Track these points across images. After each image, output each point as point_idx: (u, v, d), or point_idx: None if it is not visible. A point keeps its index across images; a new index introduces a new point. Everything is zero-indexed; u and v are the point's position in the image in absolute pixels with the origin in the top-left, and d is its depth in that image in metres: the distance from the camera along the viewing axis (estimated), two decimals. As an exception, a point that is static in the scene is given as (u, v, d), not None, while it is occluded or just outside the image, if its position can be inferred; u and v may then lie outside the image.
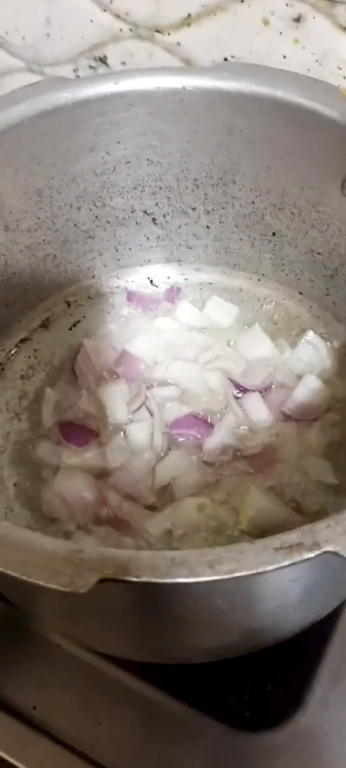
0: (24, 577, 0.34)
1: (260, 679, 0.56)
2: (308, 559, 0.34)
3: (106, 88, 0.60)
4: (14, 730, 0.54)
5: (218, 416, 0.65)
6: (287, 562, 0.34)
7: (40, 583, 0.34)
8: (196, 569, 0.34)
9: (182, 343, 0.71)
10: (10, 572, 0.34)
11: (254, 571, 0.34)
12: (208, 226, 0.73)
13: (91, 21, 0.75)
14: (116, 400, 0.66)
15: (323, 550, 0.34)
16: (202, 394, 0.67)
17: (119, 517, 0.59)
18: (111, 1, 0.73)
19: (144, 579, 0.34)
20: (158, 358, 0.70)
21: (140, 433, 0.64)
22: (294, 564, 0.34)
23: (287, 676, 0.56)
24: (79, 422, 0.65)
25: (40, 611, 0.51)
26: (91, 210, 0.70)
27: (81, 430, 0.65)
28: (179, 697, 0.55)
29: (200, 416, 0.65)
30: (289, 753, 0.53)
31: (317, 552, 0.34)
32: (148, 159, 0.67)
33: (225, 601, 0.41)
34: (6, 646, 0.58)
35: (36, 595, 0.44)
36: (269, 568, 0.34)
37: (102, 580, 0.34)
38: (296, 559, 0.34)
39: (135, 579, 0.34)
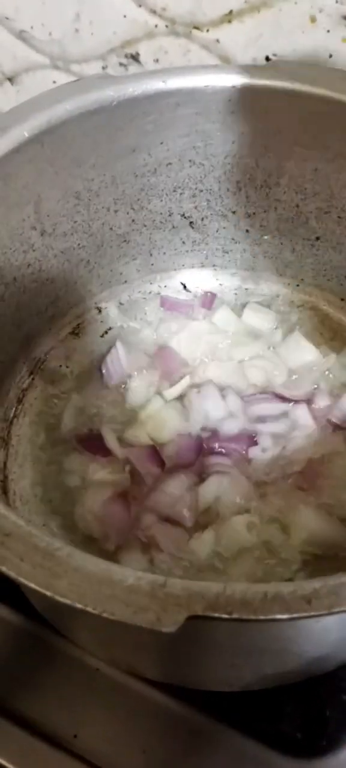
0: (106, 615, 0.31)
1: (314, 702, 0.54)
2: None
3: (153, 86, 0.58)
4: (56, 761, 0.51)
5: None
6: None
7: (125, 620, 0.31)
8: (291, 605, 0.32)
9: (221, 345, 0.69)
10: (89, 609, 0.31)
11: (355, 606, 0.32)
12: (247, 230, 0.70)
13: (125, 16, 0.73)
14: (141, 385, 0.65)
15: None
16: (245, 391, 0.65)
17: (158, 539, 0.56)
18: (147, -4, 0.70)
19: (236, 616, 0.31)
20: (197, 359, 0.68)
21: (139, 388, 0.63)
22: None
23: (343, 700, 0.54)
24: (102, 428, 0.63)
25: (90, 637, 0.48)
26: (128, 213, 0.67)
27: (103, 439, 0.62)
28: (228, 723, 0.53)
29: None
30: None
31: None
32: (190, 160, 0.64)
33: (308, 632, 0.39)
34: (41, 670, 0.55)
35: (91, 621, 0.41)
36: (372, 601, 0.32)
37: (190, 617, 0.31)
38: None
39: (226, 616, 0.32)
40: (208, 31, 0.69)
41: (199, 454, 0.61)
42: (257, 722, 0.53)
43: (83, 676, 0.55)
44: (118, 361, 0.67)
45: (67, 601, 0.31)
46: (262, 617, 0.31)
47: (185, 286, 0.75)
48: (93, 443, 0.62)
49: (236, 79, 0.58)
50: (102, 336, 0.71)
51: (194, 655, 0.42)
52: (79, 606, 0.31)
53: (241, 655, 0.42)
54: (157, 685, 0.53)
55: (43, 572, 0.32)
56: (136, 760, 0.51)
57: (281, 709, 0.54)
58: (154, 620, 0.31)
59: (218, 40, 0.69)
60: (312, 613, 0.31)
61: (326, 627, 0.40)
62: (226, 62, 0.70)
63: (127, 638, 0.42)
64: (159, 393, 0.65)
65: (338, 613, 0.32)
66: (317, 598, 0.32)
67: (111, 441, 0.61)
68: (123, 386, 0.66)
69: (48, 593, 0.31)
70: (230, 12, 0.67)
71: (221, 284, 0.74)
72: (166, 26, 0.71)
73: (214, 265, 0.74)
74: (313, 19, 0.64)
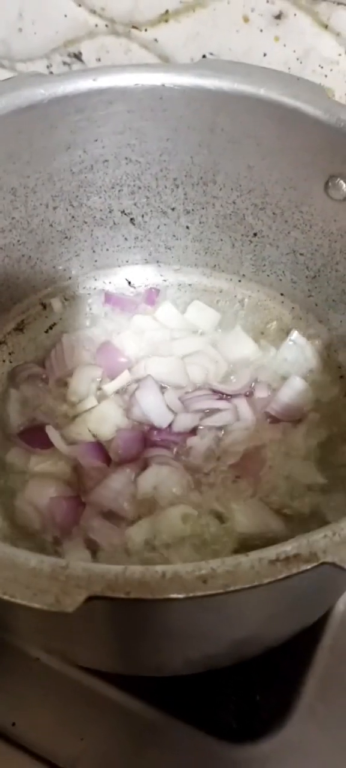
0: (6, 597, 0.32)
1: (248, 689, 0.55)
2: (306, 571, 0.33)
3: (84, 84, 0.58)
4: (-6, 748, 0.52)
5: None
6: (283, 575, 0.33)
7: (24, 602, 0.32)
8: (188, 585, 0.33)
9: (163, 341, 0.70)
10: (-9, 592, 0.32)
11: (248, 585, 0.33)
12: (187, 227, 0.71)
13: (66, 16, 0.73)
14: (82, 380, 0.66)
15: (321, 561, 0.33)
16: (185, 388, 0.66)
17: (96, 533, 0.57)
18: (86, -4, 0.71)
19: (134, 596, 0.32)
20: (139, 355, 0.68)
21: (80, 383, 0.64)
22: (291, 576, 0.33)
23: (275, 685, 0.55)
24: (45, 422, 0.63)
25: (22, 628, 0.49)
26: (67, 210, 0.67)
27: (44, 431, 0.62)
28: (165, 710, 0.54)
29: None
30: (278, 763, 0.52)
31: (315, 564, 0.33)
32: (126, 158, 0.65)
33: (215, 614, 0.39)
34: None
35: (18, 613, 0.42)
36: (266, 581, 0.33)
37: (90, 598, 0.32)
38: (294, 571, 0.33)
39: (124, 596, 0.32)
40: (146, 30, 0.70)
41: (143, 447, 0.62)
42: (193, 708, 0.54)
43: (22, 666, 0.55)
44: (62, 356, 0.68)
45: (-33, 584, 0.32)
46: (158, 596, 0.32)
47: (129, 282, 0.75)
48: (34, 436, 0.63)
49: (165, 78, 0.59)
50: (46, 331, 0.72)
51: (116, 641, 0.43)
52: (-21, 589, 0.32)
53: (161, 639, 0.43)
54: (96, 673, 0.54)
55: None
56: (74, 747, 0.52)
57: (215, 695, 0.55)
58: (53, 601, 0.32)
59: (156, 40, 0.70)
60: (207, 592, 0.32)
61: (237, 609, 0.41)
62: (165, 61, 0.71)
63: (48, 624, 0.42)
64: (100, 389, 0.66)
65: (232, 592, 0.33)
66: (214, 577, 0.33)
67: (55, 439, 0.62)
68: (65, 381, 0.67)
69: None
70: (167, 12, 0.68)
71: (165, 280, 0.75)
72: (106, 26, 0.72)
73: (157, 261, 0.75)
74: (246, 19, 0.65)
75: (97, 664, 0.50)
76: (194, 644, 0.44)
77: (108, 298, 0.74)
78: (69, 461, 0.61)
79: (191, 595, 0.32)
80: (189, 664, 0.48)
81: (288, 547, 0.34)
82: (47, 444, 0.62)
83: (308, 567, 0.33)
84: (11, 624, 0.50)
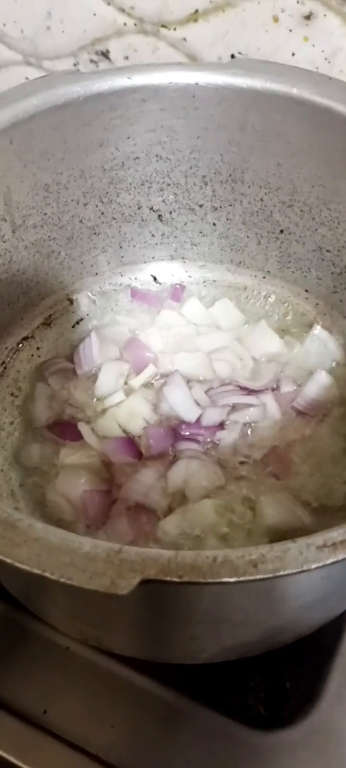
0: (63, 580, 0.33)
1: (276, 676, 0.56)
2: (352, 557, 0.34)
3: (119, 82, 0.60)
4: (25, 735, 0.53)
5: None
6: (331, 560, 0.34)
7: (81, 585, 0.33)
8: (239, 569, 0.34)
9: (189, 337, 0.71)
10: (47, 574, 0.33)
11: (297, 570, 0.34)
12: (214, 224, 0.72)
13: (95, 14, 0.74)
14: (110, 375, 0.67)
15: (367, 547, 0.34)
16: (211, 383, 0.67)
17: (130, 522, 0.58)
18: (115, -5, 0.72)
19: (186, 579, 0.33)
20: (165, 350, 0.69)
21: (108, 378, 0.65)
22: (338, 562, 0.34)
23: (303, 672, 0.56)
24: (74, 416, 0.65)
25: (59, 611, 0.50)
26: (97, 206, 0.69)
27: (74, 425, 0.64)
28: (195, 698, 0.55)
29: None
30: (306, 748, 0.53)
31: (361, 549, 0.34)
32: (157, 155, 0.66)
33: (257, 599, 0.41)
34: (13, 651, 0.57)
35: (59, 594, 0.43)
36: (314, 566, 0.34)
37: (144, 581, 0.33)
38: (340, 557, 0.34)
39: (177, 579, 0.33)
40: (175, 29, 0.71)
41: (173, 442, 0.62)
42: (223, 696, 0.55)
43: (53, 655, 0.56)
44: (91, 350, 0.69)
45: (27, 568, 0.33)
46: (210, 580, 0.33)
47: (155, 278, 0.77)
48: (63, 429, 0.64)
49: (198, 77, 0.60)
50: (73, 326, 0.73)
51: (155, 626, 0.44)
52: (37, 572, 0.33)
53: (200, 625, 0.44)
54: (126, 661, 0.55)
55: (4, 542, 0.34)
56: (105, 734, 0.53)
57: (245, 683, 0.56)
58: (108, 584, 0.33)
59: (184, 39, 0.71)
60: (258, 576, 0.33)
61: (279, 596, 0.42)
62: (193, 60, 0.72)
63: (92, 609, 0.44)
64: (127, 384, 0.67)
65: (282, 576, 0.34)
66: (263, 562, 0.34)
67: (87, 434, 0.63)
68: (93, 376, 0.68)
69: (8, 560, 0.33)
70: (196, 11, 0.69)
71: (190, 276, 0.76)
72: (135, 24, 0.73)
73: (183, 258, 0.76)
74: (275, 19, 0.66)
75: (133, 651, 0.51)
76: (231, 631, 0.45)
77: (134, 293, 0.75)
78: (99, 454, 0.62)
79: (242, 579, 0.33)
80: (224, 652, 0.49)
81: (334, 533, 0.35)
82: (77, 437, 0.63)
83: (355, 553, 0.34)
84: (46, 609, 0.51)
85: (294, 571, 0.34)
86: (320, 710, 0.54)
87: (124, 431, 0.64)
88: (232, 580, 0.33)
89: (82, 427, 0.63)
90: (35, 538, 0.35)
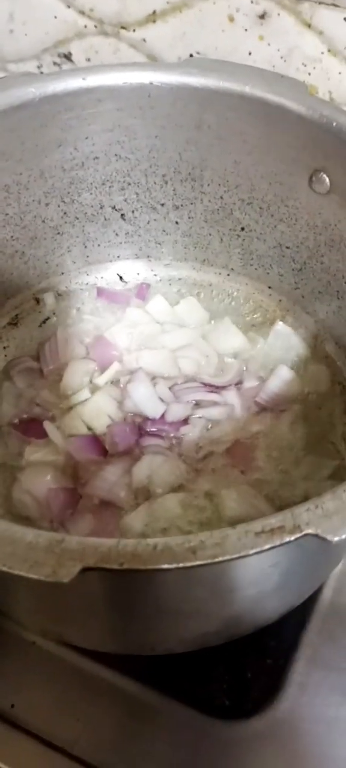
0: (5, 569, 0.34)
1: (239, 667, 0.56)
2: (289, 542, 0.35)
3: (74, 83, 0.60)
4: (-6, 728, 0.53)
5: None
6: (268, 545, 0.35)
7: (22, 573, 0.33)
8: (178, 556, 0.34)
9: (154, 334, 0.71)
10: (-10, 566, 0.34)
11: (236, 556, 0.34)
12: (177, 222, 0.73)
13: (56, 17, 0.75)
14: (76, 373, 0.67)
15: (303, 532, 0.35)
16: (175, 379, 0.67)
17: (95, 519, 0.59)
18: (75, -2, 0.73)
19: (126, 566, 0.34)
20: (131, 348, 0.70)
21: (74, 376, 0.65)
22: (275, 547, 0.35)
23: (266, 664, 0.57)
24: (39, 414, 0.65)
25: (20, 610, 0.50)
26: (59, 206, 0.69)
27: (39, 423, 0.64)
28: (159, 689, 0.55)
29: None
30: (269, 739, 0.53)
31: (298, 535, 0.35)
32: (116, 155, 0.67)
33: (207, 588, 0.41)
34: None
35: (17, 589, 0.43)
36: (252, 551, 0.34)
37: (84, 569, 0.34)
38: (277, 542, 0.35)
39: (117, 567, 0.34)
40: (134, 30, 0.72)
41: (137, 438, 0.63)
42: (187, 687, 0.55)
43: (20, 650, 0.56)
44: (56, 349, 0.69)
45: (-32, 558, 0.33)
46: (150, 567, 0.34)
47: (121, 277, 0.77)
48: (28, 427, 0.64)
49: (152, 76, 0.61)
50: (40, 326, 0.73)
51: (109, 618, 0.45)
52: (-22, 563, 0.34)
53: (153, 614, 0.44)
54: (91, 655, 0.55)
55: None
56: (71, 727, 0.53)
57: (208, 674, 0.56)
58: (49, 572, 0.33)
59: (144, 39, 0.72)
60: (196, 563, 0.34)
61: (228, 585, 0.42)
62: (153, 60, 0.73)
63: (45, 602, 0.44)
64: (92, 382, 0.68)
65: (219, 562, 0.34)
66: (203, 548, 0.35)
67: (52, 433, 0.63)
68: (59, 374, 0.68)
69: None
70: (154, 12, 0.70)
71: (155, 275, 0.77)
72: (95, 26, 0.74)
73: (148, 256, 0.77)
74: (231, 19, 0.67)
75: (93, 643, 0.51)
76: (186, 621, 0.46)
77: (100, 292, 0.75)
78: (64, 452, 0.62)
79: (180, 565, 0.34)
80: (182, 642, 0.50)
81: (273, 520, 0.36)
82: (42, 434, 0.63)
83: (292, 538, 0.35)
84: (10, 606, 0.51)
85: (233, 556, 0.34)
86: (283, 701, 0.55)
87: (90, 429, 0.64)
88: (171, 566, 0.34)
89: (48, 426, 0.63)
90: (-21, 530, 0.35)
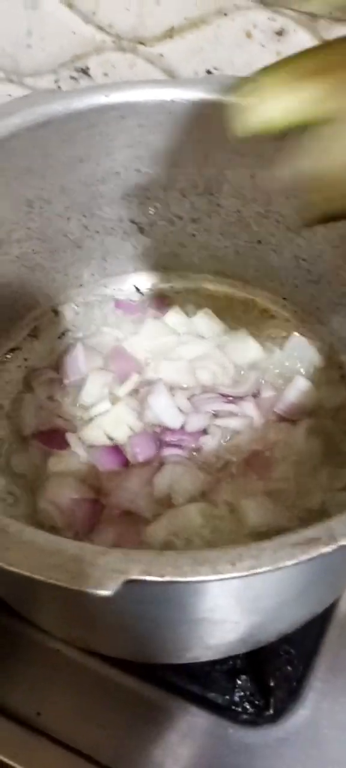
0: (51, 581, 0.34)
1: (260, 674, 0.57)
2: (325, 554, 0.36)
3: (98, 100, 0.61)
4: (19, 737, 0.54)
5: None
6: (305, 557, 0.36)
7: (67, 585, 0.34)
8: (218, 567, 0.35)
9: (172, 345, 0.72)
10: (36, 576, 0.35)
11: (273, 567, 0.35)
12: (194, 234, 0.74)
13: (74, 33, 0.76)
14: (95, 384, 0.68)
15: (339, 544, 0.36)
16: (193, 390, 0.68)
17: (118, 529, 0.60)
18: (94, 13, 0.74)
19: (168, 579, 0.35)
20: (149, 359, 0.71)
21: (93, 388, 0.66)
22: (312, 559, 0.36)
23: (287, 671, 0.58)
24: (61, 425, 0.66)
25: (49, 615, 0.51)
26: (80, 220, 0.70)
27: (61, 433, 0.65)
28: (182, 697, 0.56)
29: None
30: (290, 745, 0.54)
31: (334, 546, 0.36)
32: (136, 170, 0.68)
33: (237, 597, 0.42)
34: (5, 655, 0.58)
35: (49, 598, 0.44)
36: (288, 563, 0.35)
37: (128, 581, 0.35)
38: (314, 554, 0.36)
39: (159, 579, 0.35)
40: (152, 46, 0.73)
41: (158, 448, 0.64)
42: (209, 694, 0.56)
43: (45, 658, 0.57)
44: (77, 361, 0.70)
45: (16, 570, 0.34)
46: (191, 579, 0.35)
47: (138, 289, 0.78)
48: (50, 437, 0.65)
49: (174, 93, 0.62)
50: (59, 337, 0.74)
51: (140, 627, 0.46)
52: (26, 574, 0.34)
53: (184, 625, 0.45)
54: (115, 663, 0.56)
55: (-6, 546, 0.36)
56: (95, 734, 0.54)
57: (230, 681, 0.57)
58: (94, 584, 0.34)
59: (161, 55, 0.73)
60: (235, 574, 0.35)
61: (258, 594, 0.43)
62: (170, 75, 0.74)
63: (79, 611, 0.45)
64: (112, 393, 0.68)
65: (257, 574, 0.35)
66: (240, 560, 0.36)
67: (75, 443, 0.64)
68: (79, 385, 0.69)
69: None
70: (172, 28, 0.71)
71: (172, 286, 0.78)
72: (113, 42, 0.75)
73: (165, 268, 0.78)
74: (248, 35, 0.68)
75: (120, 652, 0.52)
76: (214, 629, 0.47)
77: (118, 304, 0.76)
78: (86, 462, 0.63)
79: (220, 577, 0.35)
80: (208, 650, 0.51)
81: (309, 532, 0.37)
82: (64, 445, 0.64)
83: (329, 550, 0.36)
84: (37, 613, 0.52)
85: (270, 568, 0.35)
86: (304, 707, 0.56)
87: (110, 439, 0.65)
88: (212, 578, 0.35)
89: (71, 437, 0.64)
90: (24, 542, 0.36)
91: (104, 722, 0.55)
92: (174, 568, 0.35)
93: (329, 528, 0.37)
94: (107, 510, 0.60)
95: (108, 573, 0.35)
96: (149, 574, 0.35)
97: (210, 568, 0.35)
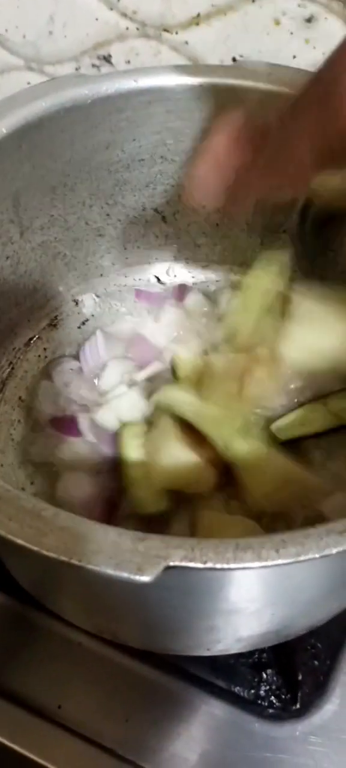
0: (91, 566, 0.34)
1: (287, 668, 0.57)
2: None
3: (126, 85, 0.61)
4: (40, 730, 0.53)
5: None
6: (352, 545, 0.35)
7: (109, 572, 0.34)
8: (262, 553, 0.35)
9: (191, 330, 0.71)
10: (75, 562, 0.34)
11: (319, 555, 0.35)
12: (217, 224, 0.73)
13: (97, 19, 0.75)
14: (114, 372, 0.67)
15: None
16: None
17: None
18: (118, 0, 0.73)
19: (210, 565, 0.34)
20: (168, 346, 0.70)
21: (112, 376, 0.66)
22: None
23: (313, 665, 0.57)
24: (76, 411, 0.65)
25: (78, 605, 0.50)
26: (102, 208, 0.69)
27: (76, 420, 0.64)
28: (207, 691, 0.55)
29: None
30: (317, 740, 0.53)
31: None
32: (161, 157, 0.67)
33: (273, 588, 0.41)
34: (26, 647, 0.57)
35: (82, 586, 0.43)
36: (335, 550, 0.35)
37: (169, 567, 0.34)
38: (361, 541, 0.35)
39: (201, 565, 0.34)
40: (177, 33, 0.72)
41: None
42: (235, 688, 0.56)
43: (66, 651, 0.56)
44: (96, 348, 0.69)
45: (54, 556, 0.33)
46: (233, 565, 0.34)
47: (158, 279, 0.77)
48: (65, 424, 0.64)
49: (203, 79, 0.61)
50: (79, 327, 0.74)
51: (175, 617, 0.45)
52: (64, 559, 0.34)
53: (218, 615, 0.44)
54: (138, 656, 0.55)
55: (31, 531, 0.35)
56: (119, 727, 0.53)
57: (257, 674, 0.57)
58: (134, 570, 0.34)
59: (186, 42, 0.72)
60: (280, 561, 0.34)
61: (296, 585, 0.43)
62: (194, 62, 0.73)
63: (112, 600, 0.44)
64: (131, 379, 0.68)
65: (303, 561, 0.34)
66: (285, 547, 0.35)
67: (87, 430, 0.63)
68: (98, 373, 0.68)
69: (36, 549, 0.34)
70: (198, 15, 0.70)
71: (193, 276, 0.77)
72: (137, 29, 0.74)
73: (186, 258, 0.77)
74: (277, 22, 0.67)
75: (150, 644, 0.52)
76: (247, 620, 0.46)
77: (138, 294, 0.75)
78: (99, 448, 0.62)
79: (264, 564, 0.34)
80: (239, 642, 0.50)
81: (354, 520, 0.36)
82: (77, 432, 0.63)
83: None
84: (67, 604, 0.51)
85: (316, 555, 0.34)
86: (330, 701, 0.55)
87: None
88: (255, 565, 0.34)
89: (83, 422, 0.64)
90: (61, 527, 0.35)
91: (127, 716, 0.54)
92: (216, 554, 0.34)
93: (374, 516, 0.36)
94: (125, 505, 0.59)
95: (149, 559, 0.34)
96: (191, 560, 0.34)
97: (254, 554, 0.34)
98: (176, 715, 0.55)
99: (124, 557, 0.34)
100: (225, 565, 0.34)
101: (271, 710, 0.55)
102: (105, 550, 0.34)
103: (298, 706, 0.55)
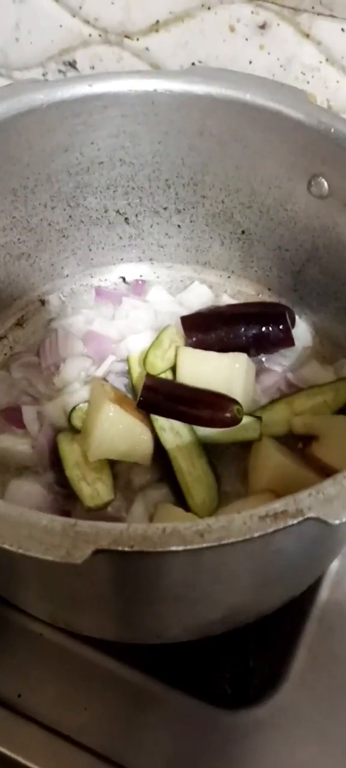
0: (21, 551, 0.35)
1: (241, 657, 0.58)
2: (292, 525, 0.37)
3: (81, 90, 0.62)
4: (1, 719, 0.55)
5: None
6: (272, 528, 0.36)
7: (38, 555, 0.35)
8: (187, 538, 0.36)
9: (147, 321, 0.73)
10: (6, 546, 0.35)
11: (241, 538, 0.36)
12: (179, 225, 0.75)
13: (61, 26, 0.77)
14: (72, 368, 0.69)
15: (306, 516, 0.37)
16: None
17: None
18: (80, 7, 0.75)
19: (137, 548, 0.36)
20: (122, 337, 0.71)
21: (70, 371, 0.67)
22: (279, 530, 0.36)
23: (268, 654, 0.58)
24: (27, 404, 0.66)
25: (30, 593, 0.52)
26: (65, 210, 0.71)
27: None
28: (162, 680, 0.56)
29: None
30: (270, 727, 0.54)
31: (301, 518, 0.37)
32: (120, 160, 0.69)
33: (212, 574, 0.43)
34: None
35: (29, 574, 0.45)
36: (256, 534, 0.36)
37: (97, 551, 0.35)
38: (281, 525, 0.36)
39: (128, 549, 0.36)
40: (138, 39, 0.74)
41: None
42: (190, 677, 0.57)
43: (28, 642, 0.58)
44: (56, 344, 0.71)
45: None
46: (159, 549, 0.36)
47: (124, 279, 0.79)
48: (14, 414, 0.66)
49: (157, 84, 0.63)
50: (45, 326, 0.75)
51: (117, 603, 0.46)
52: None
53: (162, 603, 0.46)
54: (97, 646, 0.56)
55: (-35, 520, 0.36)
56: (78, 717, 0.55)
57: (211, 663, 0.58)
58: (64, 554, 0.35)
59: (147, 48, 0.74)
60: (204, 545, 0.36)
61: (233, 569, 0.44)
62: (156, 68, 0.75)
63: (56, 586, 0.46)
64: (88, 375, 0.69)
65: (226, 545, 0.36)
66: (210, 532, 0.36)
67: (27, 416, 0.65)
68: (56, 369, 0.69)
69: (-31, 536, 0.35)
70: (157, 22, 0.72)
71: (158, 277, 0.79)
72: (100, 35, 0.76)
73: (151, 259, 0.79)
74: (232, 29, 0.69)
75: (100, 631, 0.53)
76: (192, 608, 0.47)
77: (98, 292, 0.77)
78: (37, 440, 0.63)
79: (188, 547, 0.36)
80: (187, 630, 0.51)
81: (276, 505, 0.37)
82: (21, 424, 0.65)
83: (295, 522, 0.37)
84: (19, 593, 0.53)
85: (238, 539, 0.36)
86: (285, 690, 0.56)
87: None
88: (180, 548, 0.36)
89: (26, 412, 0.65)
90: (-2, 515, 0.37)
91: (86, 704, 0.56)
92: (143, 539, 0.36)
93: (296, 501, 0.37)
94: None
95: (78, 543, 0.35)
96: (118, 545, 0.36)
97: (179, 539, 0.36)
98: (132, 703, 0.56)
99: (54, 542, 0.35)
100: (151, 549, 0.36)
101: (225, 698, 0.56)
102: (36, 535, 0.36)
103: (251, 693, 0.56)
